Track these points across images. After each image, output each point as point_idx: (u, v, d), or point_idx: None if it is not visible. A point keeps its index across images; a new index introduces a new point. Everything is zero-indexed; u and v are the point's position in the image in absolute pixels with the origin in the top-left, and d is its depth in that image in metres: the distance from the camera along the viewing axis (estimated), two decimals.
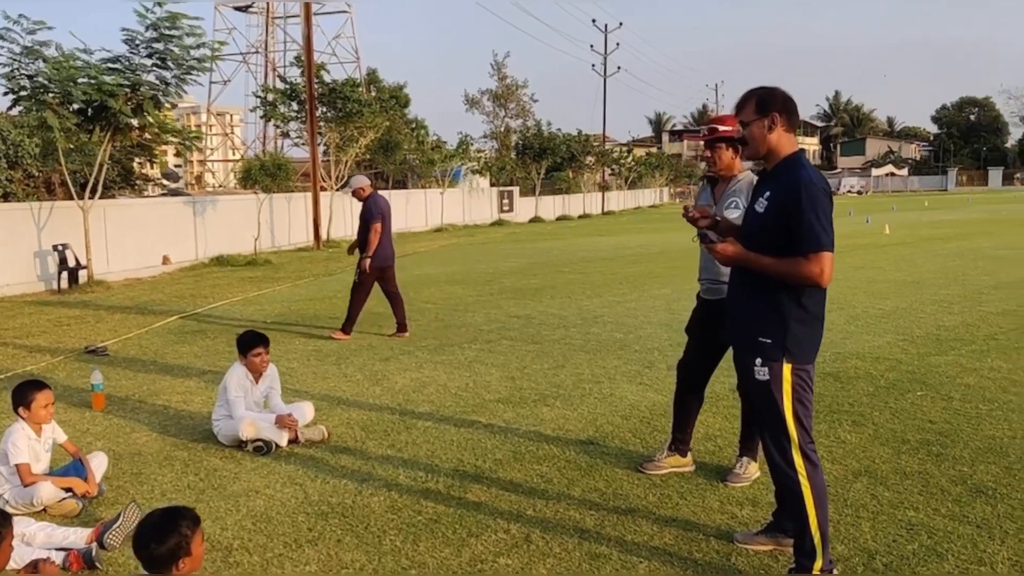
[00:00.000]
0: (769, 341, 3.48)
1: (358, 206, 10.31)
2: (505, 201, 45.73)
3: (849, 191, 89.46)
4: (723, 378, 6.41)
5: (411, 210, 36.23)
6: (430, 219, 37.44)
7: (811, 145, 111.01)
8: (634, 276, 15.82)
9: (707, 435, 5.71)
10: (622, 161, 60.78)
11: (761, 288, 3.51)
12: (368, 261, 9.73)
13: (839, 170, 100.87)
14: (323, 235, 25.88)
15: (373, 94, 26.90)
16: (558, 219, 48.60)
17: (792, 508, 3.55)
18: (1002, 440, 5.49)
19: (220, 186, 54.28)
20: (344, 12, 57.11)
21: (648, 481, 4.92)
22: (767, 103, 3.52)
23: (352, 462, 5.38)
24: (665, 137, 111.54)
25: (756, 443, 4.94)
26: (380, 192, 10.42)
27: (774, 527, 4.01)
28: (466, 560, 3.97)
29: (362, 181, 10.10)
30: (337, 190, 26.72)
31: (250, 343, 5.82)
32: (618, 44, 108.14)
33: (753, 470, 4.91)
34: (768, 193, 3.50)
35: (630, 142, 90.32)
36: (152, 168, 32.38)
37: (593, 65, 61.96)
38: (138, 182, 23.33)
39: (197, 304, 13.10)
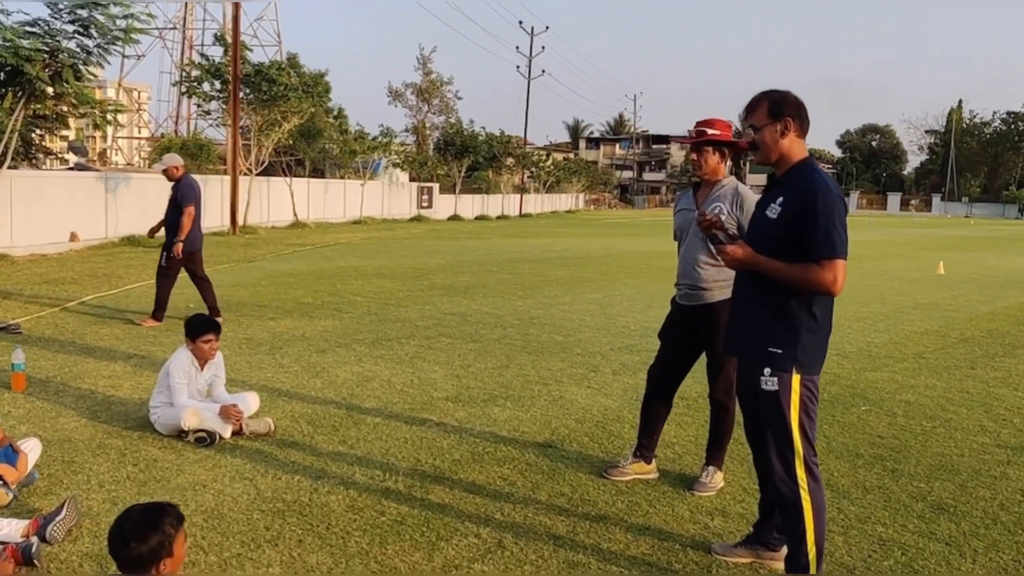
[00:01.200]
0: (780, 351, 3.40)
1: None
2: (424, 197, 45.37)
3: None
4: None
5: (329, 200, 35.58)
6: (348, 211, 36.85)
7: None
8: (564, 279, 15.79)
9: (665, 442, 5.63)
10: (541, 165, 61.05)
11: (771, 295, 3.43)
12: (180, 245, 9.30)
13: (748, 186, 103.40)
14: (240, 220, 25.12)
15: (295, 79, 26.16)
16: (477, 218, 48.48)
17: (790, 522, 3.48)
18: (951, 458, 5.57)
19: (128, 164, 52.34)
20: None
21: (614, 487, 4.81)
22: (780, 107, 3.44)
23: (303, 457, 5.12)
24: (582, 143, 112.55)
25: (723, 452, 4.91)
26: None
27: (754, 539, 3.94)
28: (439, 565, 3.79)
29: (175, 160, 9.64)
30: (257, 175, 26.00)
31: (200, 328, 5.50)
32: (543, 48, 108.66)
33: (719, 479, 4.85)
34: (781, 199, 3.42)
35: (548, 146, 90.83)
36: (54, 142, 30.95)
37: (518, 67, 62.14)
38: (39, 155, 22.21)
39: (112, 284, 12.51)
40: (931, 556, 4.03)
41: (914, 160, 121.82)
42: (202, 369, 5.57)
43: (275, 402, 6.28)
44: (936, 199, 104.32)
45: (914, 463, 5.44)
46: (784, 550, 3.86)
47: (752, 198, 4.57)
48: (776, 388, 3.42)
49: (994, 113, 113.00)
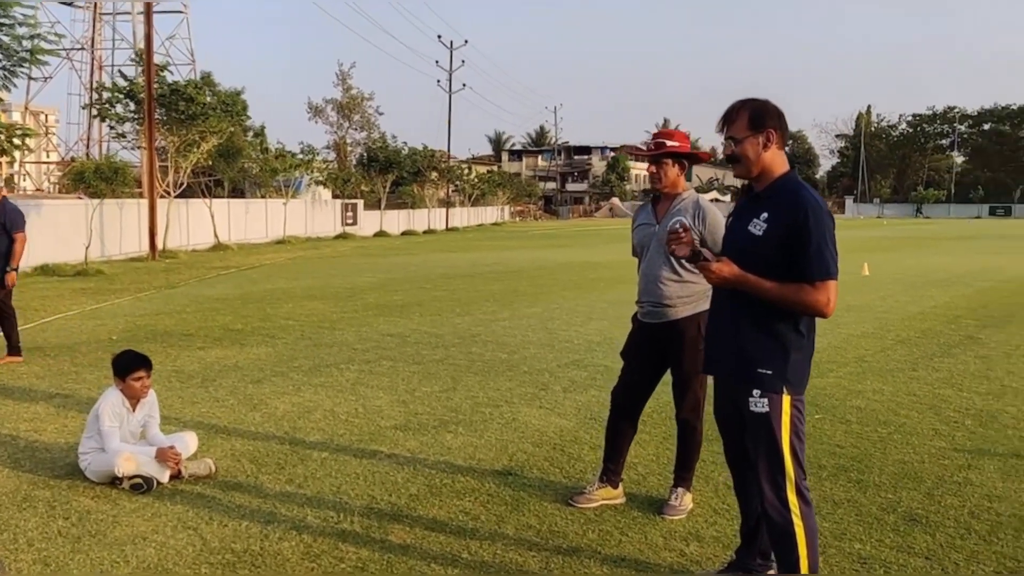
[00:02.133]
0: (770, 372, 3.24)
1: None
2: (349, 214, 44.78)
3: None
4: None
5: (251, 220, 34.80)
6: (271, 230, 36.11)
7: (641, 170, 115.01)
8: (499, 293, 15.59)
9: (626, 464, 5.45)
10: (465, 178, 60.93)
11: (757, 314, 3.27)
12: (15, 274, 8.59)
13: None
14: (159, 245, 24.31)
15: (209, 98, 25.49)
16: (403, 234, 48.05)
17: (781, 548, 3.32)
18: (913, 465, 5.52)
19: (38, 190, 50.44)
20: (180, 12, 54.50)
21: (582, 516, 4.61)
22: (762, 117, 3.29)
23: (249, 500, 4.80)
24: (504, 156, 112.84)
25: (691, 473, 4.76)
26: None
27: (737, 566, 3.78)
28: None
29: None
30: (175, 197, 25.21)
31: (130, 365, 5.13)
32: (463, 61, 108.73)
33: (688, 501, 4.69)
34: (766, 215, 3.26)
35: (471, 159, 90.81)
36: None
37: (439, 81, 61.85)
38: None
39: (27, 318, 11.84)
40: (914, 572, 3.93)
41: (826, 164, 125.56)
42: (134, 409, 5.19)
43: (213, 440, 5.92)
44: (849, 201, 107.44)
45: (877, 472, 5.37)
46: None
47: (714, 211, 4.45)
48: (767, 410, 3.27)
49: (900, 116, 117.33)
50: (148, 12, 22.94)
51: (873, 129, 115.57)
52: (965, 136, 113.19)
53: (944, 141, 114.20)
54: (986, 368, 8.68)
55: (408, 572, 3.91)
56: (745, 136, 3.31)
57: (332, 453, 5.69)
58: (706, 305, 4.42)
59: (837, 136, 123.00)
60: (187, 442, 5.29)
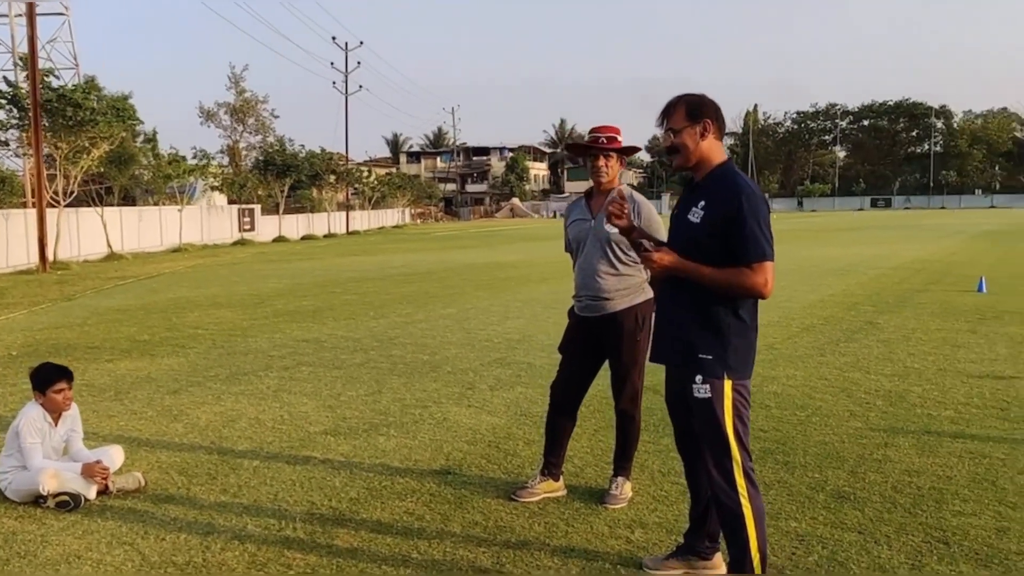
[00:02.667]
0: (710, 357, 3.35)
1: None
2: (246, 220, 43.82)
3: None
4: None
5: (145, 228, 33.72)
6: (166, 238, 35.07)
7: (540, 170, 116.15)
8: (412, 296, 15.51)
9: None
10: (365, 181, 60.34)
11: (697, 301, 3.37)
12: None
13: (567, 194, 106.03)
14: (49, 256, 23.30)
15: (97, 104, 24.54)
16: (303, 238, 47.26)
17: (731, 531, 3.41)
18: (834, 445, 5.75)
19: None
20: (61, 14, 52.29)
21: (526, 510, 4.64)
22: (699, 109, 3.39)
23: (184, 512, 4.66)
24: (403, 158, 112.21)
25: (630, 462, 4.85)
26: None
27: (685, 549, 3.87)
28: None
29: None
30: (65, 206, 24.18)
31: (50, 377, 4.92)
32: (359, 63, 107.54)
33: (628, 490, 4.78)
34: (703, 203, 3.36)
35: (369, 161, 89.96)
36: None
37: (334, 83, 61.09)
38: None
39: None
40: (849, 546, 4.09)
41: None
42: (56, 424, 4.98)
43: (137, 453, 5.73)
44: None
45: (802, 454, 5.57)
46: (717, 557, 3.83)
47: (648, 204, 4.54)
48: (709, 395, 3.36)
49: (785, 114, 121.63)
50: (31, 13, 21.89)
51: (761, 126, 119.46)
52: (846, 132, 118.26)
53: (827, 137, 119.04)
54: (888, 351, 9.09)
55: (359, 575, 3.87)
56: (683, 127, 3.42)
57: (264, 461, 5.58)
58: (643, 297, 4.54)
59: (727, 134, 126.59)
60: (113, 456, 5.11)
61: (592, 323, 4.62)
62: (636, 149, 4.68)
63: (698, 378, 3.37)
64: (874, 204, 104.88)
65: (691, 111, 3.39)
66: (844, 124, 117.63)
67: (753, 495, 3.41)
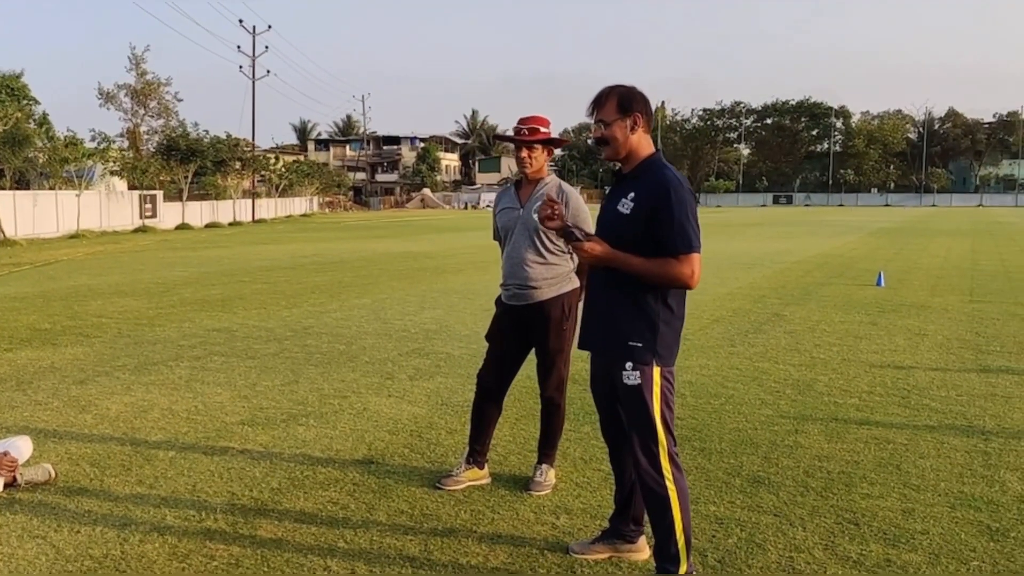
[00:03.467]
0: (640, 345, 3.41)
1: None
2: (147, 206, 42.52)
3: (488, 205, 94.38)
4: None
5: (40, 214, 32.41)
6: (63, 224, 33.78)
7: (451, 161, 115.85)
8: (325, 285, 15.30)
9: None
10: (272, 168, 59.17)
11: (627, 290, 3.43)
12: None
13: (478, 185, 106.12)
14: None
15: None
16: (208, 226, 46.11)
17: (657, 514, 3.49)
18: (747, 432, 5.92)
19: None
20: None
21: (451, 498, 4.65)
22: (630, 102, 3.45)
23: (99, 505, 4.52)
24: (311, 145, 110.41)
25: (554, 450, 4.90)
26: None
27: (610, 533, 3.94)
28: None
29: None
30: None
31: None
32: (267, 47, 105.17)
33: (552, 477, 4.84)
34: (632, 194, 3.42)
35: (275, 148, 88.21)
36: None
37: (241, 67, 59.59)
38: None
39: None
40: (766, 528, 4.23)
41: None
42: None
43: (45, 445, 5.52)
44: None
45: (717, 440, 5.73)
46: (642, 540, 3.91)
47: (576, 194, 4.59)
48: (639, 382, 3.43)
49: (692, 111, 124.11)
50: None
51: (668, 123, 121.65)
52: (750, 129, 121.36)
53: (732, 134, 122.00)
54: (795, 342, 9.40)
55: (285, 565, 3.82)
56: (614, 119, 3.47)
57: (179, 452, 5.44)
58: (570, 286, 4.59)
59: None
60: (20, 448, 4.90)
61: (519, 312, 4.66)
62: (562, 141, 4.72)
63: (628, 365, 3.44)
64: (776, 201, 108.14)
65: (622, 104, 3.45)
66: (748, 122, 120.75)
67: (678, 478, 3.49)
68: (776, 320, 11.03)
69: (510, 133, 4.63)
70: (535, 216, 4.52)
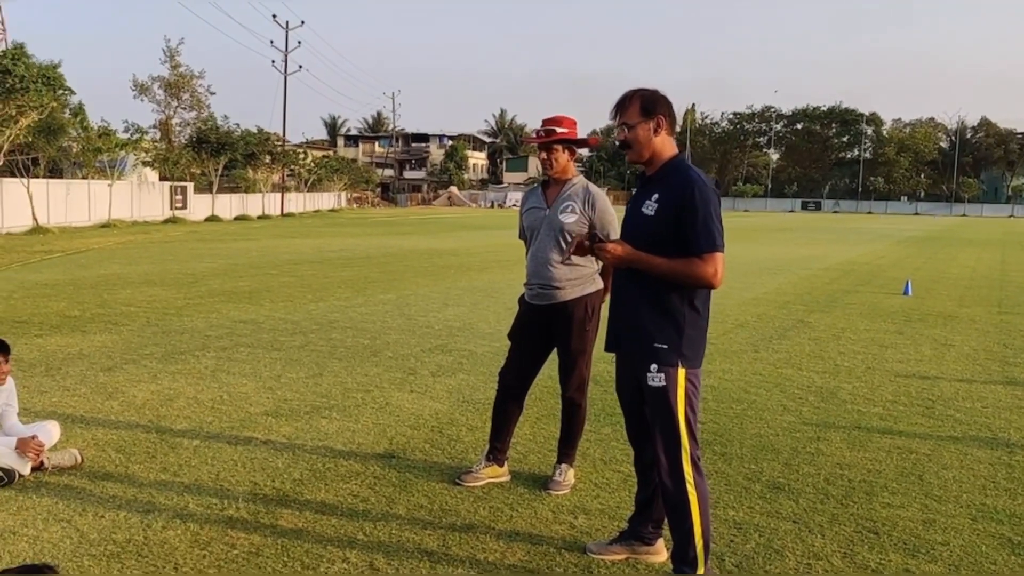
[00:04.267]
0: (665, 346, 3.42)
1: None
2: (178, 197, 42.94)
3: (514, 205, 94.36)
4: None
5: (72, 202, 32.82)
6: (95, 213, 34.18)
7: (479, 159, 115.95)
8: (351, 280, 15.40)
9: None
10: (301, 162, 59.51)
11: (652, 291, 3.44)
12: None
13: (505, 185, 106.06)
14: None
15: (24, 71, 23.73)
16: (236, 219, 46.49)
17: (676, 518, 3.50)
18: (768, 438, 5.91)
19: None
20: None
21: (470, 494, 4.68)
22: (653, 105, 3.46)
23: (123, 490, 4.59)
24: (340, 141, 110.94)
25: (575, 450, 4.91)
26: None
27: (628, 534, 3.95)
28: None
29: None
30: None
31: None
32: (300, 42, 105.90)
33: (571, 477, 4.85)
34: (657, 195, 3.44)
35: (305, 143, 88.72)
36: None
37: (273, 62, 59.94)
38: None
39: None
40: (785, 535, 4.22)
41: None
42: None
43: (72, 430, 5.61)
44: None
45: (738, 445, 5.72)
46: (659, 543, 3.92)
47: (603, 196, 4.60)
48: (664, 384, 3.44)
49: (722, 114, 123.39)
50: None
51: (698, 126, 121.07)
52: (780, 134, 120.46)
53: (762, 139, 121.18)
54: (819, 349, 9.35)
55: (305, 555, 3.86)
56: (637, 122, 3.48)
57: (204, 440, 5.51)
58: (593, 287, 4.61)
59: None
60: (50, 431, 4.99)
61: (542, 311, 4.67)
62: (584, 142, 4.71)
63: (653, 367, 3.44)
64: (804, 207, 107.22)
65: (645, 106, 3.46)
66: (778, 127, 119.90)
67: (699, 482, 3.50)
68: (801, 327, 10.96)
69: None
70: (561, 217, 4.55)
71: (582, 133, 4.71)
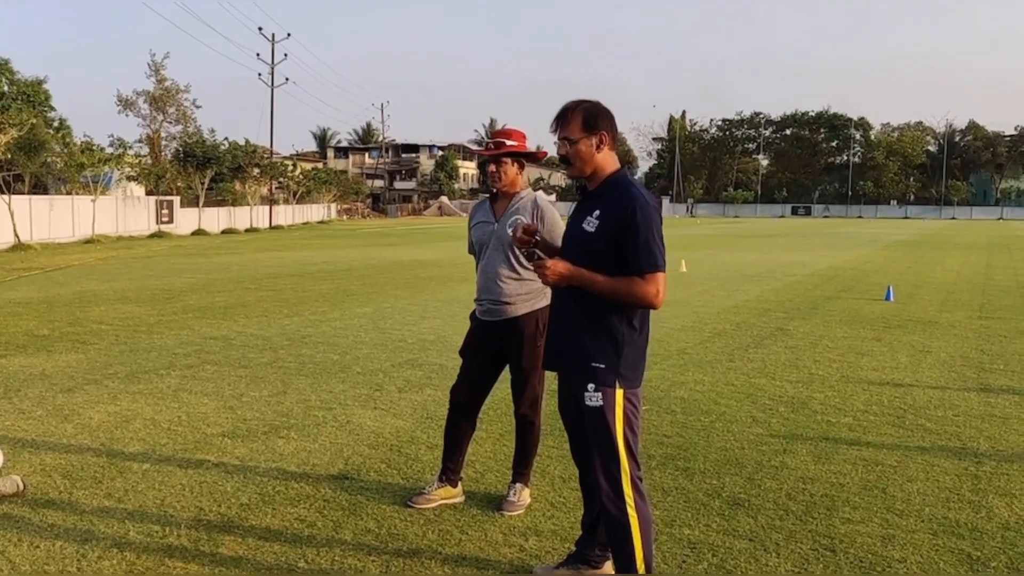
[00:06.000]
0: (603, 366, 3.31)
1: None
2: (164, 211, 42.74)
3: None
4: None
5: (56, 218, 32.63)
6: (79, 229, 33.97)
7: (470, 169, 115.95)
8: (329, 293, 15.27)
9: (465, 461, 5.45)
10: (290, 175, 59.38)
11: (591, 309, 3.34)
12: None
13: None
14: None
15: (7, 88, 23.60)
16: (224, 232, 46.28)
17: (617, 541, 3.39)
18: (734, 451, 5.80)
19: None
20: None
21: (421, 516, 4.56)
22: (595, 120, 3.36)
23: (63, 518, 4.46)
24: (330, 152, 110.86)
25: (529, 468, 4.80)
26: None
27: (575, 557, 3.84)
28: None
29: None
30: None
31: None
32: (286, 55, 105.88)
33: (526, 496, 4.74)
34: (598, 212, 3.34)
35: (295, 155, 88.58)
36: None
37: (260, 74, 59.84)
38: None
39: None
40: (739, 554, 4.11)
41: (644, 165, 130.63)
42: None
43: (20, 455, 5.47)
44: (666, 201, 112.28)
45: (702, 460, 5.61)
46: (607, 566, 3.81)
47: (552, 209, 4.51)
48: (601, 404, 3.33)
49: (711, 121, 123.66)
50: None
51: (687, 133, 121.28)
52: (770, 140, 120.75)
53: (751, 145, 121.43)
54: (795, 358, 9.26)
55: None
56: (579, 138, 3.38)
57: (154, 464, 5.38)
58: (544, 302, 4.49)
59: (654, 139, 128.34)
60: None
61: (492, 327, 4.57)
62: (532, 155, 4.60)
63: (590, 386, 3.34)
64: (795, 212, 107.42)
65: (587, 121, 3.36)
66: (767, 133, 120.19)
67: (640, 505, 3.39)
68: (779, 335, 10.87)
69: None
70: (509, 231, 4.45)
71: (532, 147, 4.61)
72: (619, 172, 3.42)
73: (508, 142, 4.43)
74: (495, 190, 4.57)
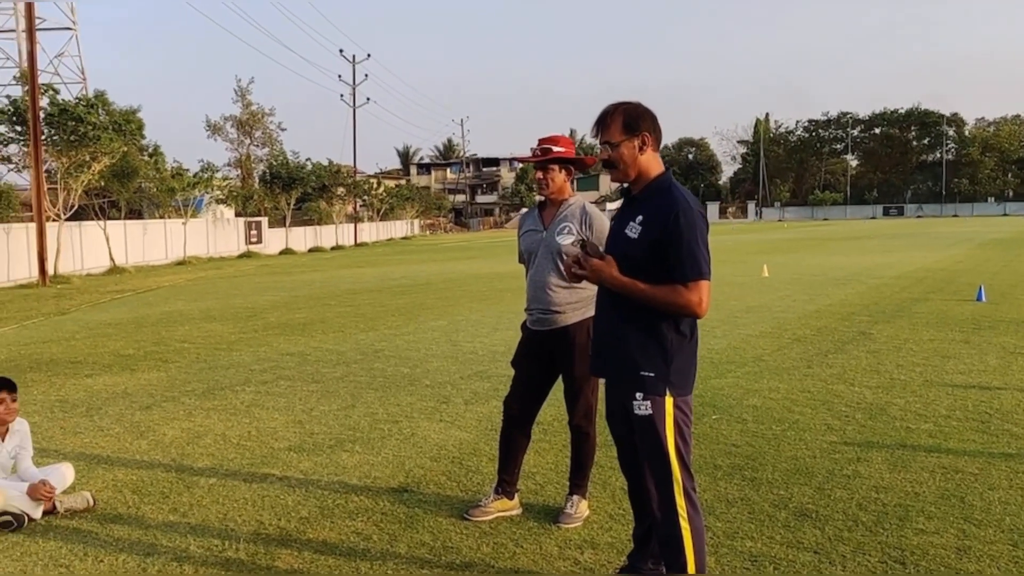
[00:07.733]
0: (652, 374, 3.22)
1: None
2: (253, 232, 43.92)
3: None
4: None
5: (149, 242, 33.85)
6: (171, 251, 35.15)
7: None
8: (405, 307, 15.43)
9: (525, 473, 5.36)
10: (373, 193, 60.43)
11: (638, 316, 3.25)
12: None
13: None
14: (50, 270, 23.35)
15: (102, 118, 24.59)
16: (310, 251, 47.33)
17: (670, 554, 3.29)
18: (804, 460, 5.60)
19: None
20: (69, 29, 52.64)
21: (477, 529, 4.52)
22: (637, 121, 3.27)
23: (128, 532, 4.56)
24: (413, 169, 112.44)
25: (586, 479, 4.72)
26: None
27: (628, 571, 3.75)
28: None
29: None
30: (67, 220, 24.25)
31: None
32: (367, 75, 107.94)
33: (584, 508, 4.65)
34: (641, 217, 3.25)
35: (379, 173, 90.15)
36: None
37: (342, 95, 61.18)
38: None
39: None
40: (802, 567, 3.95)
41: (728, 170, 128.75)
42: (3, 439, 4.90)
43: (94, 471, 5.64)
44: (751, 206, 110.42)
45: (771, 470, 5.43)
46: None
47: (601, 216, 4.43)
48: (650, 412, 3.24)
49: (797, 122, 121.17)
50: (31, 28, 21.99)
51: (772, 135, 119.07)
52: (858, 140, 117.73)
53: (839, 145, 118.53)
54: (876, 362, 8.92)
55: None
56: (621, 140, 3.30)
57: (221, 479, 5.48)
58: (594, 310, 4.41)
59: (739, 142, 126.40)
60: (63, 474, 5.01)
61: (543, 337, 4.51)
62: (579, 161, 4.51)
63: (639, 395, 3.25)
64: (886, 213, 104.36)
65: (628, 123, 3.27)
66: (855, 132, 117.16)
67: (692, 516, 3.28)
68: (861, 339, 10.51)
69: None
70: (558, 239, 4.39)
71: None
72: (664, 175, 3.33)
73: (555, 148, 4.37)
74: (543, 197, 4.51)
